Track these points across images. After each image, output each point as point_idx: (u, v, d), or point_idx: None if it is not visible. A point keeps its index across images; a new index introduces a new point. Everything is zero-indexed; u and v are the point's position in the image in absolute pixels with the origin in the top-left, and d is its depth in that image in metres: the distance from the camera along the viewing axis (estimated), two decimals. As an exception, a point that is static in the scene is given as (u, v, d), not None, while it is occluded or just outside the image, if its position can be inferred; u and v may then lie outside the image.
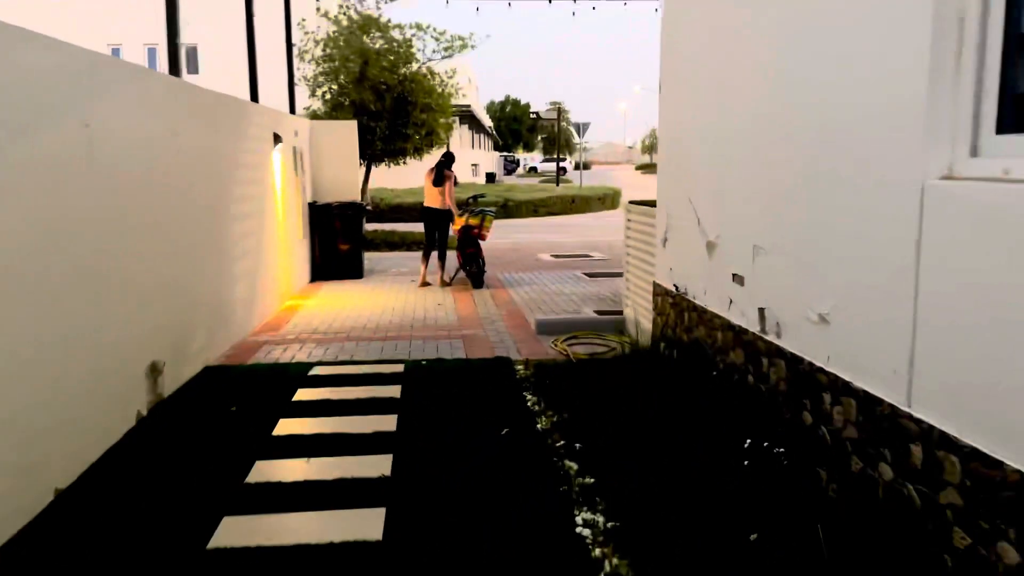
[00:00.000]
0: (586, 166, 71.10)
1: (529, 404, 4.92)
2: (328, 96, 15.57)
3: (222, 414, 4.84)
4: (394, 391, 5.25)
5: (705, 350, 4.90)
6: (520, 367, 5.87)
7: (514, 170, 66.09)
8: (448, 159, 10.33)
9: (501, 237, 16.91)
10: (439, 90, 15.72)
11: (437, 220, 10.27)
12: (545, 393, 5.12)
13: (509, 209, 24.82)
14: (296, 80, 15.42)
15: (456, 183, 10.39)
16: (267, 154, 8.49)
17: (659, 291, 5.85)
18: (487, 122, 54.03)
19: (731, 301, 4.48)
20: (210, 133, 6.38)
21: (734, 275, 4.41)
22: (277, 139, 8.83)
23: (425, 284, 10.34)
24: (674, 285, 5.45)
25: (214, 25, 29.62)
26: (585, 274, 11.28)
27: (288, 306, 8.89)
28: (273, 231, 8.54)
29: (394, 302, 9.12)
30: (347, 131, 11.70)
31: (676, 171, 5.49)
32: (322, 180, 11.55)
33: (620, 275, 11.04)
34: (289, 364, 6.06)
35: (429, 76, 15.67)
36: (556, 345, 6.55)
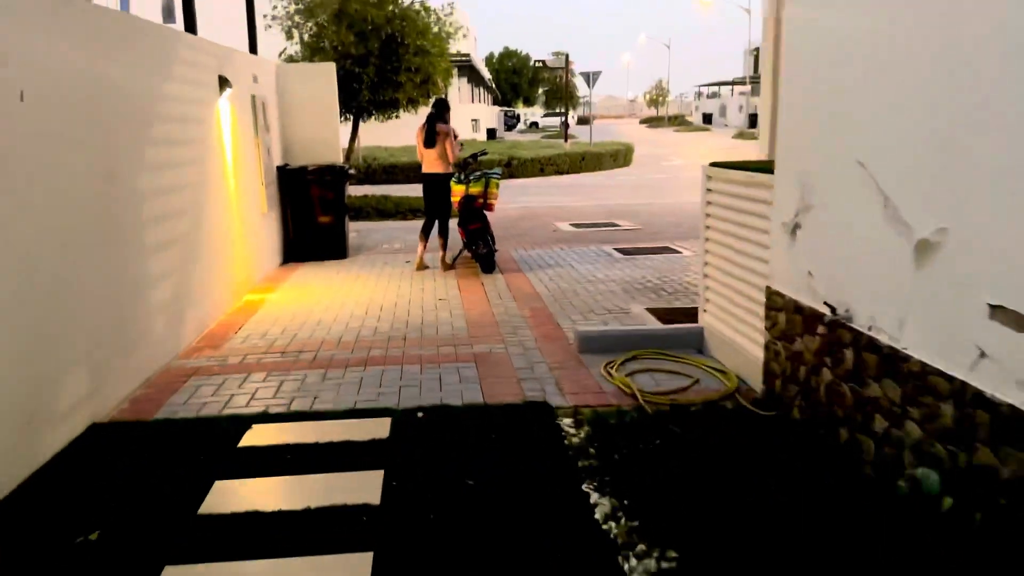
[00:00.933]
0: (584, 121, 68.43)
1: (598, 517, 2.93)
2: (307, 38, 13.32)
3: (70, 544, 2.85)
4: (371, 485, 3.24)
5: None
6: (567, 420, 3.88)
7: (514, 125, 63.46)
8: (440, 109, 8.21)
9: (508, 201, 14.81)
10: (435, 29, 13.47)
11: (435, 188, 8.20)
12: (620, 487, 3.14)
13: (514, 168, 22.67)
14: (267, 19, 13.20)
15: (457, 138, 8.28)
16: (210, 104, 6.39)
17: (782, 305, 3.82)
18: (486, 75, 51.32)
19: (982, 354, 2.45)
20: (100, 70, 4.29)
21: (994, 307, 2.39)
22: (225, 84, 6.72)
23: (423, 267, 8.31)
24: (825, 303, 3.41)
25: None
26: (617, 250, 9.24)
27: (246, 303, 6.88)
28: (220, 206, 6.49)
29: (383, 295, 7.09)
30: (324, 77, 9.54)
31: (824, 115, 3.43)
32: (294, 138, 9.44)
33: (661, 252, 9.03)
34: (216, 419, 4.04)
35: (423, 13, 13.41)
36: (612, 375, 4.54)
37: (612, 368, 4.62)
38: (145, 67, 5.00)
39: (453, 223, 8.56)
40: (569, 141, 27.24)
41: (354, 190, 16.52)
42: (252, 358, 5.10)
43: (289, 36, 13.36)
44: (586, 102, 76.25)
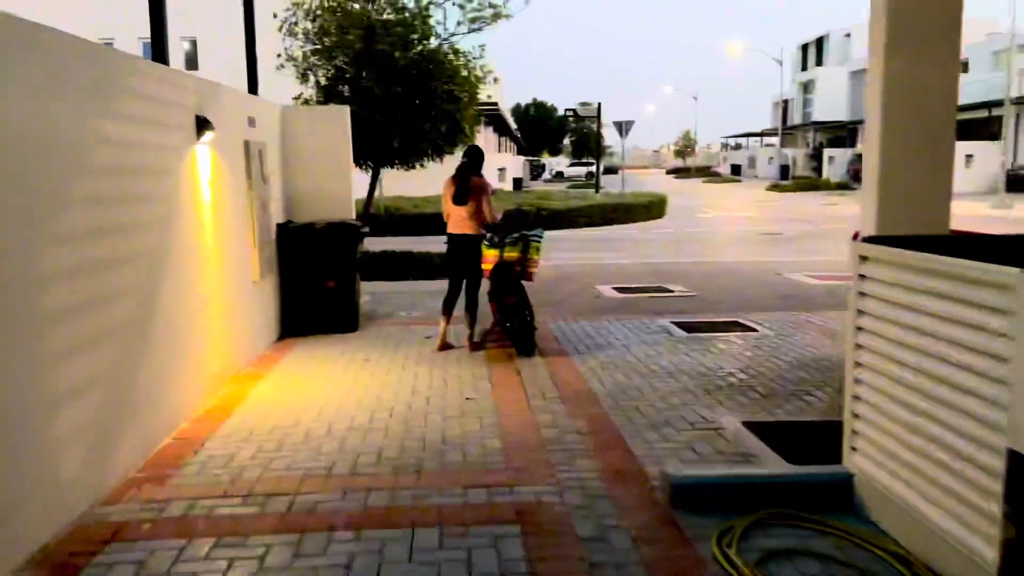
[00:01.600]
0: (614, 170, 67.44)
1: None
2: (323, 81, 12.15)
3: None
4: None
5: None
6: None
7: (540, 175, 62.64)
8: (474, 159, 6.88)
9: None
10: (464, 73, 12.24)
11: (464, 252, 6.80)
12: None
13: (543, 220, 21.34)
14: (281, 59, 12.07)
15: (492, 194, 6.91)
16: (180, 151, 5.05)
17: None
18: (512, 124, 50.64)
19: None
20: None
21: None
22: (204, 126, 5.39)
23: (446, 346, 6.86)
24: None
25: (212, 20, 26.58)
26: (676, 325, 7.72)
27: (223, 399, 5.43)
28: (190, 279, 5.09)
29: (395, 390, 5.61)
30: (336, 122, 8.24)
31: None
32: (301, 191, 8.11)
33: (731, 328, 7.45)
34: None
35: (452, 56, 12.20)
36: (734, 562, 3.00)
37: (730, 545, 3.07)
38: (72, 102, 3.65)
39: (483, 293, 7.13)
40: (600, 192, 25.96)
41: (374, 243, 15.25)
42: (202, 507, 3.61)
43: (304, 79, 12.20)
44: (612, 152, 75.55)
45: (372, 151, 12.04)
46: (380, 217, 20.28)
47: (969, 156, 34.54)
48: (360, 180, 13.59)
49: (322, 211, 8.09)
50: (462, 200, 6.67)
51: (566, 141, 78.96)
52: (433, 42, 12.14)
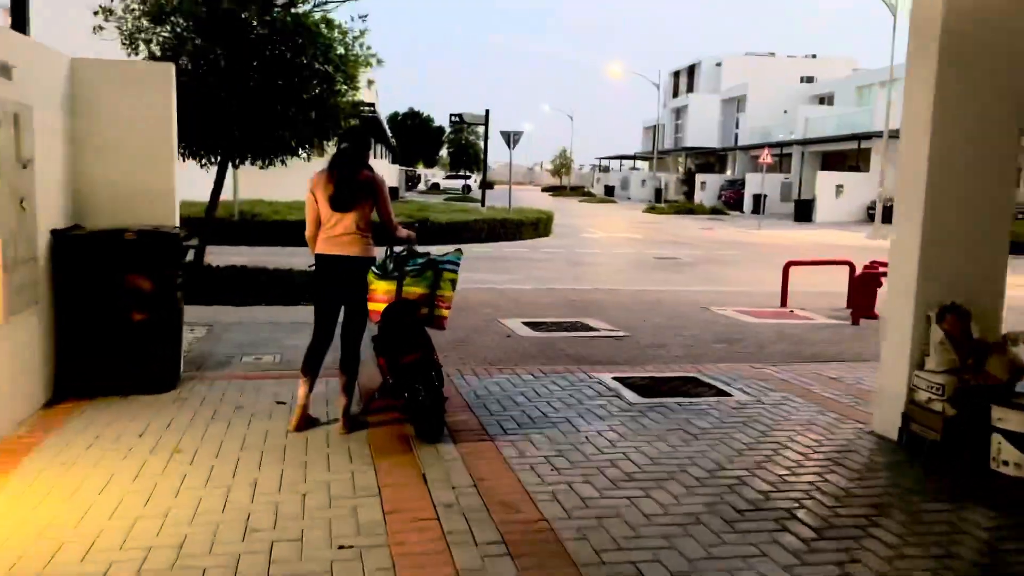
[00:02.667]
0: (489, 185, 66.02)
1: None
2: (157, 51, 9.46)
3: None
4: None
5: None
6: None
7: (415, 186, 60.26)
8: (358, 143, 4.68)
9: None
10: (340, 50, 9.93)
11: (344, 285, 4.56)
12: None
13: (430, 233, 19.15)
14: (99, 15, 9.31)
15: (386, 198, 4.71)
16: None
17: None
18: (387, 131, 48.03)
19: None
20: None
21: None
22: None
23: (307, 422, 4.59)
24: None
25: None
26: (623, 382, 5.80)
27: None
28: None
29: (214, 530, 3.31)
30: (154, 85, 5.75)
31: None
32: (96, 182, 5.58)
33: (697, 389, 5.21)
34: None
35: (324, 27, 9.85)
36: None
37: None
38: None
39: (367, 342, 4.90)
40: (487, 206, 24.06)
41: (223, 254, 12.52)
42: None
43: (131, 46, 9.46)
44: (489, 167, 74.33)
45: (218, 140, 9.48)
46: (232, 222, 17.41)
47: (839, 187, 35.42)
48: (203, 177, 10.96)
49: (129, 213, 5.59)
50: (345, 204, 4.44)
51: (443, 152, 76.85)
52: (302, 7, 9.74)
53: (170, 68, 5.80)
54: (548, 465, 4.09)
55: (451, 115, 23.20)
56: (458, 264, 4.47)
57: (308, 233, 4.66)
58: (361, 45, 10.20)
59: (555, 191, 73.87)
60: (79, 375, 5.18)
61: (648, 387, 5.74)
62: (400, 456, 4.18)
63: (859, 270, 10.29)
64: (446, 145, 73.93)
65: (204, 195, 10.45)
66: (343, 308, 4.58)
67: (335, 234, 4.49)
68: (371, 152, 4.73)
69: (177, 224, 5.76)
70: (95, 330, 5.19)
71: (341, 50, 10.01)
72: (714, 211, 40.80)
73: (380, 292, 4.34)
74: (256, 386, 5.52)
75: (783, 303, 10.30)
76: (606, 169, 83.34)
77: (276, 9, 9.55)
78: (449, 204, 31.37)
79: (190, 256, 10.22)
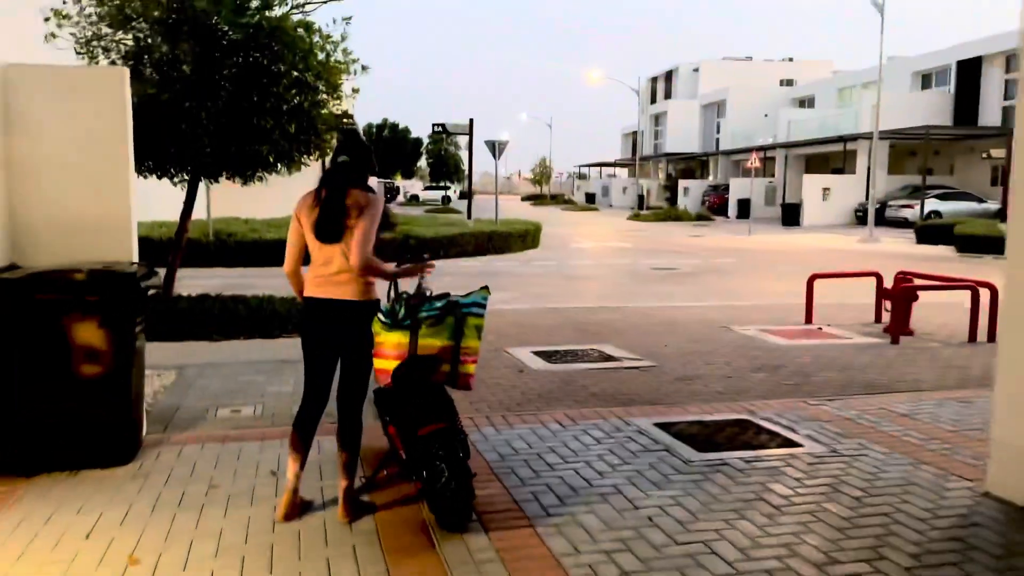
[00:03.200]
0: (467, 195, 65.24)
1: None
2: (118, 60, 8.50)
3: None
4: None
5: None
6: None
7: (394, 198, 59.27)
8: (358, 155, 3.71)
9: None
10: (320, 56, 9.02)
11: (339, 336, 3.64)
12: None
13: (410, 248, 18.28)
14: (51, 21, 8.36)
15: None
16: None
17: None
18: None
19: None
20: None
21: None
22: None
23: (300, 507, 3.67)
24: None
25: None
26: (668, 430, 4.95)
27: None
28: None
29: None
30: (102, 94, 4.81)
31: None
32: (38, 210, 4.64)
33: (759, 439, 4.16)
34: None
35: (303, 32, 8.94)
36: None
37: None
38: None
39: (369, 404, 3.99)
40: (473, 219, 23.17)
41: (196, 279, 11.51)
42: None
43: (89, 54, 8.49)
44: (464, 178, 73.30)
45: (188, 155, 8.53)
46: (206, 244, 16.39)
47: (826, 189, 34.96)
48: (175, 194, 9.99)
49: (78, 248, 4.65)
50: (331, 233, 3.54)
51: (422, 163, 75.86)
52: (278, 10, 8.83)
53: (123, 73, 4.87)
54: (613, 566, 3.20)
55: (434, 124, 22.32)
56: (485, 306, 3.58)
57: (287, 268, 3.75)
58: (343, 51, 9.31)
59: (535, 200, 73.16)
60: (16, 446, 4.23)
61: (700, 437, 4.88)
62: (420, 555, 3.28)
63: (887, 281, 9.55)
64: (425, 156, 72.96)
65: (175, 214, 9.50)
66: (339, 365, 3.67)
67: (327, 272, 3.59)
68: (373, 167, 3.80)
69: (135, 259, 4.82)
70: (36, 390, 4.25)
71: (321, 56, 9.11)
72: (699, 217, 40.23)
73: (389, 347, 3.43)
74: (234, 451, 4.59)
75: (808, 319, 9.51)
76: (583, 177, 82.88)
77: (250, 12, 8.63)
78: (433, 217, 30.46)
79: (154, 289, 9.29)
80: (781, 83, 54.58)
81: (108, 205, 4.74)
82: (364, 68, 9.48)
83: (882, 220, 29.93)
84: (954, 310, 9.96)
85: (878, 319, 9.64)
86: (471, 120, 21.31)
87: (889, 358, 7.54)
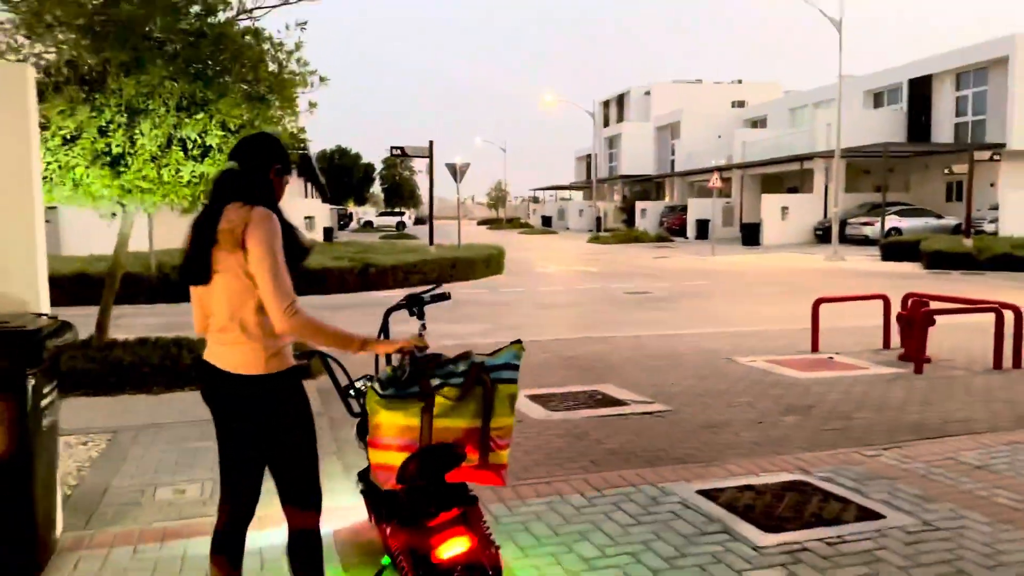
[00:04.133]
0: (423, 220, 64.11)
1: None
2: (39, 75, 7.36)
3: None
4: None
5: None
6: None
7: (347, 225, 57.97)
8: (252, 161, 2.61)
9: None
10: (271, 67, 8.02)
11: (239, 418, 2.54)
12: None
13: (372, 277, 17.26)
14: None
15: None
16: None
17: None
18: (317, 169, 45.74)
19: None
20: None
21: None
22: None
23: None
24: None
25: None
26: (716, 500, 4.06)
27: None
28: None
29: None
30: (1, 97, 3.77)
31: None
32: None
33: (825, 509, 3.25)
34: None
35: (251, 39, 7.93)
36: None
37: None
38: None
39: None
40: (435, 245, 22.18)
41: (135, 318, 10.28)
42: None
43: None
44: (419, 203, 72.12)
45: (120, 179, 7.42)
46: (147, 278, 15.10)
47: (784, 208, 34.91)
48: (114, 226, 8.84)
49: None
50: (196, 273, 2.54)
51: (375, 189, 74.61)
52: (222, 15, 7.82)
53: (23, 71, 3.82)
54: None
55: (392, 147, 21.33)
56: (518, 368, 2.63)
57: (197, 329, 2.68)
58: (298, 60, 8.32)
59: (492, 224, 72.46)
60: None
61: (758, 509, 3.98)
62: None
63: (894, 304, 8.89)
64: (379, 181, 71.78)
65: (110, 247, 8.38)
66: (266, 459, 2.65)
67: (213, 328, 2.57)
68: (285, 176, 2.72)
69: (44, 309, 3.75)
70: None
71: (273, 67, 8.11)
72: (659, 238, 39.94)
73: (391, 432, 2.43)
74: (174, 556, 3.53)
75: (814, 348, 8.77)
76: (536, 200, 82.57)
77: (188, 18, 7.61)
78: (391, 243, 29.37)
79: (84, 335, 8.07)
80: (732, 104, 55.07)
81: (6, 237, 3.68)
82: (323, 79, 8.50)
83: (843, 238, 29.88)
84: (960, 332, 9.35)
85: (886, 345, 8.95)
86: (431, 142, 20.41)
87: (922, 391, 6.79)
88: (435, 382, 2.48)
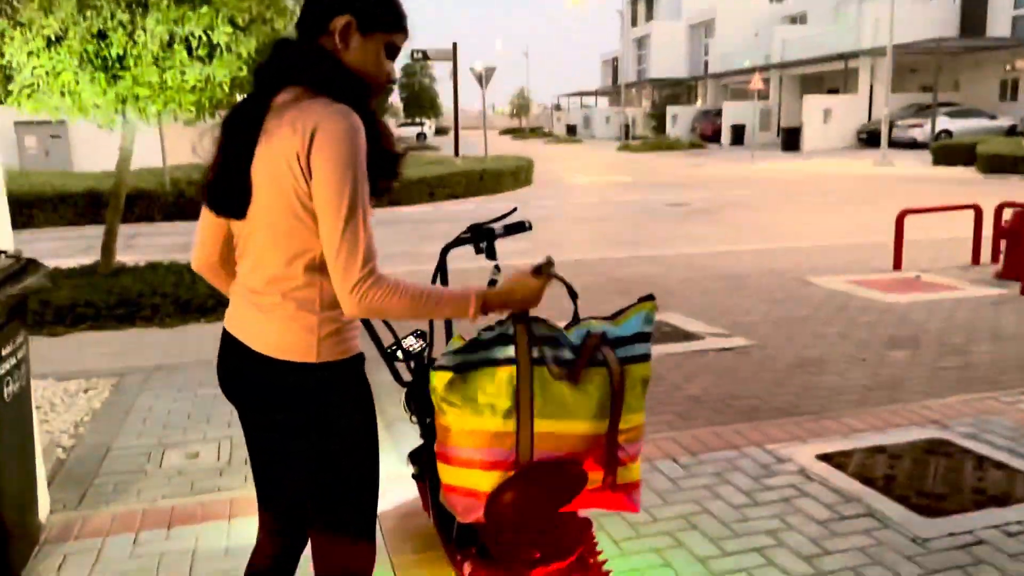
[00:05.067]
0: (443, 131, 62.28)
1: None
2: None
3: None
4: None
5: None
6: None
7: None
8: (309, 34, 1.60)
9: (396, 263, 8.46)
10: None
11: (264, 410, 1.67)
12: None
13: (398, 193, 16.33)
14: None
15: (387, 164, 1.71)
16: None
17: None
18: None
19: None
20: None
21: None
22: None
23: None
24: None
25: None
26: (849, 471, 3.28)
27: None
28: None
29: None
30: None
31: None
32: None
33: (982, 468, 2.86)
34: None
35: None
36: None
37: None
38: None
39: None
40: (460, 155, 21.10)
41: (148, 239, 9.55)
42: None
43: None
44: (440, 113, 70.02)
45: (108, 83, 6.51)
46: (161, 195, 14.35)
47: (827, 111, 33.06)
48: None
49: None
50: (229, 200, 1.62)
51: (392, 99, 72.45)
52: None
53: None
54: None
55: (413, 51, 20.00)
56: (651, 338, 1.80)
57: (195, 263, 1.83)
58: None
59: (515, 133, 70.48)
60: None
61: (901, 481, 3.20)
62: None
63: (988, 213, 7.91)
64: (398, 91, 69.62)
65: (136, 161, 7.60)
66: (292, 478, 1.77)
67: (249, 283, 1.67)
68: (378, 34, 1.65)
69: (3, 244, 2.95)
70: None
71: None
72: (692, 145, 38.30)
73: (468, 440, 1.60)
74: (184, 549, 2.84)
75: (896, 265, 7.85)
76: (558, 107, 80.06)
77: None
78: (415, 156, 28.26)
79: (91, 259, 7.40)
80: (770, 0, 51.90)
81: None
82: None
83: (890, 142, 28.24)
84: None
85: (976, 261, 8.02)
86: (454, 44, 19.02)
87: (1039, 318, 5.90)
88: (538, 352, 1.65)
